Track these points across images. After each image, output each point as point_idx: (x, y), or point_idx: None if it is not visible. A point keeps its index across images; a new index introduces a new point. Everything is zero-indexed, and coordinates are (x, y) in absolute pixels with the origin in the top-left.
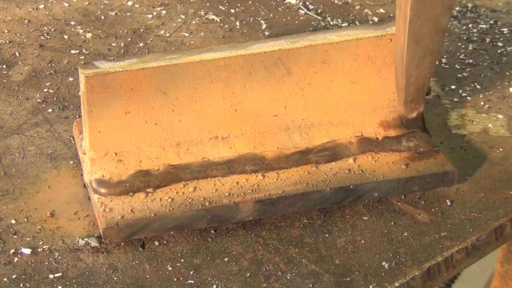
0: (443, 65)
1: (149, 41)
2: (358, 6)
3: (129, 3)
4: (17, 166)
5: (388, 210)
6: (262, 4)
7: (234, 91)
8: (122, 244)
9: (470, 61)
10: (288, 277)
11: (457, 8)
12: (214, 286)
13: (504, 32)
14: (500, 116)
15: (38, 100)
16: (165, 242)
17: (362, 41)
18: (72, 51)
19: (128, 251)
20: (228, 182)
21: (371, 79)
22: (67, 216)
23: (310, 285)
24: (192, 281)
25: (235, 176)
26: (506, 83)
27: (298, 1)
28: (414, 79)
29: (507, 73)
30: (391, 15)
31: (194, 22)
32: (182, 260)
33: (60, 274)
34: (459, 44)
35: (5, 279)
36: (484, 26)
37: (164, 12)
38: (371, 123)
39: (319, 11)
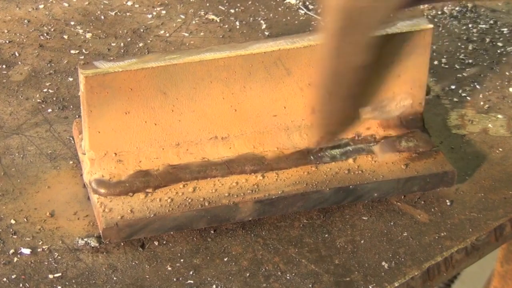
0: (443, 65)
1: (149, 41)
2: None
3: (129, 3)
4: (17, 166)
5: (387, 210)
6: (262, 4)
7: (234, 91)
8: (122, 244)
9: (470, 61)
10: (288, 277)
11: (457, 8)
12: (214, 286)
13: (504, 32)
14: (500, 116)
15: (38, 100)
16: (164, 242)
17: None
18: (72, 51)
19: (128, 251)
20: (228, 182)
21: (371, 79)
22: (66, 216)
23: (310, 285)
24: (191, 281)
25: (235, 176)
26: (506, 83)
27: (298, 1)
28: (333, 113)
29: (507, 73)
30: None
31: (194, 22)
32: (182, 260)
33: (59, 274)
34: (459, 44)
35: (5, 279)
36: (484, 26)
37: (164, 12)
38: (371, 123)
39: (319, 11)
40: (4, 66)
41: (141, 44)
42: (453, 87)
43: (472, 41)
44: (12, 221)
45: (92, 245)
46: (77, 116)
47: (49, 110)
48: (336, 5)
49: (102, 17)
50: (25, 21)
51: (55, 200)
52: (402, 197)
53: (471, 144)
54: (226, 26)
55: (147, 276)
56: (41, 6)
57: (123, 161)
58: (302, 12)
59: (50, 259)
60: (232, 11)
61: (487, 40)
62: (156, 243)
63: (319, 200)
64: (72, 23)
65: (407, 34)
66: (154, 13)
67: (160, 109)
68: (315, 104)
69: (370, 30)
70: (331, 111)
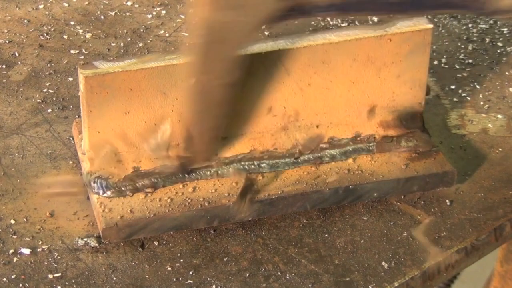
0: (443, 65)
1: (148, 41)
2: None
3: (129, 3)
4: (17, 166)
5: (387, 210)
6: None
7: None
8: (122, 244)
9: (470, 61)
10: (288, 277)
11: None
12: (214, 286)
13: (504, 32)
14: (499, 116)
15: (38, 100)
16: (164, 242)
17: (361, 41)
18: (72, 51)
19: (128, 251)
20: (228, 183)
21: (371, 79)
22: (66, 216)
23: (310, 285)
24: (191, 281)
25: (235, 177)
26: (506, 83)
27: None
28: (202, 130)
29: (507, 73)
30: (391, 15)
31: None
32: (182, 260)
33: (59, 274)
34: (459, 44)
35: (4, 279)
36: (483, 26)
37: (163, 12)
38: (371, 123)
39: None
40: (4, 66)
41: (141, 44)
42: (453, 87)
43: (472, 41)
44: (12, 221)
45: (92, 245)
46: (77, 116)
47: (49, 110)
48: (200, 20)
49: (102, 17)
50: (25, 21)
51: (55, 200)
52: (402, 197)
53: (471, 144)
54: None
55: (147, 276)
56: (41, 6)
57: (123, 161)
58: None
59: (50, 259)
60: None
61: (487, 40)
62: (156, 243)
63: (319, 200)
64: (72, 23)
65: (407, 34)
66: (154, 13)
67: (160, 109)
68: (187, 121)
69: (236, 46)
70: (200, 129)
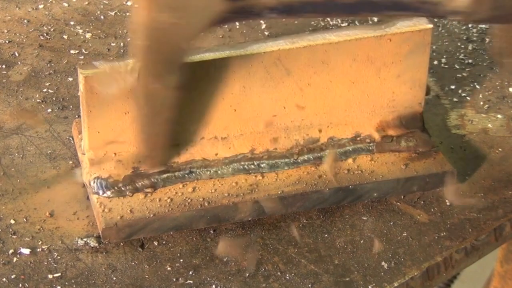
0: (442, 65)
1: None
2: None
3: (129, 3)
4: (16, 166)
5: (387, 210)
6: None
7: (233, 91)
8: (121, 244)
9: (470, 61)
10: (287, 277)
11: None
12: (213, 286)
13: None
14: (499, 116)
15: (38, 100)
16: (164, 242)
17: (361, 41)
18: (72, 51)
19: (127, 251)
20: (227, 182)
21: (371, 79)
22: (66, 216)
23: (309, 285)
24: (191, 281)
25: (234, 176)
26: (506, 83)
27: None
28: (150, 135)
29: (507, 73)
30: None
31: None
32: (181, 260)
33: (59, 274)
34: (459, 44)
35: (4, 279)
36: (484, 26)
37: None
38: (370, 123)
39: None
40: (3, 66)
41: None
42: (452, 87)
43: (472, 41)
44: (12, 221)
45: (92, 245)
46: (76, 116)
47: (49, 110)
48: (141, 22)
49: (102, 17)
50: (25, 21)
51: (55, 200)
52: (402, 197)
53: (470, 144)
54: (226, 26)
55: (147, 276)
56: (41, 6)
57: (123, 161)
58: None
59: (50, 259)
60: None
61: (487, 40)
62: (155, 243)
63: (319, 200)
64: (72, 23)
65: (407, 34)
66: None
67: None
68: (137, 126)
69: (179, 49)
70: (148, 134)
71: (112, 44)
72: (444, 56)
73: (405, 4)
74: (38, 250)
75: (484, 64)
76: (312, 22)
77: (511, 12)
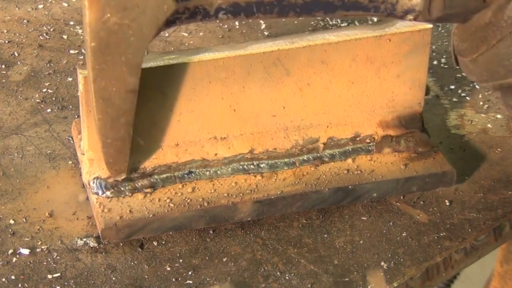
0: (442, 65)
1: None
2: None
3: None
4: (16, 166)
5: (387, 210)
6: None
7: (233, 92)
8: (121, 244)
9: None
10: (287, 277)
11: None
12: (213, 286)
13: None
14: (499, 116)
15: (37, 100)
16: (163, 242)
17: (361, 41)
18: (71, 51)
19: (127, 251)
20: (227, 183)
21: (370, 79)
22: (65, 216)
23: (309, 285)
24: (190, 281)
25: (234, 177)
26: None
27: None
28: (111, 140)
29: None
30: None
31: None
32: (181, 260)
33: (58, 274)
34: None
35: (4, 279)
36: None
37: None
38: (370, 123)
39: None
40: (3, 66)
41: None
42: (452, 87)
43: None
44: (11, 221)
45: (91, 245)
46: (76, 116)
47: (48, 110)
48: (91, 23)
49: None
50: (25, 21)
51: (54, 200)
52: (401, 197)
53: (470, 144)
54: (226, 26)
55: (146, 276)
56: (41, 6)
57: None
58: None
59: (49, 259)
60: None
61: None
62: (155, 243)
63: (318, 200)
64: (72, 23)
65: (406, 34)
66: None
67: (159, 109)
68: (96, 131)
69: (131, 51)
70: (106, 138)
71: None
72: (444, 56)
73: (364, 4)
74: (38, 250)
75: None
76: (312, 22)
77: (463, 10)
